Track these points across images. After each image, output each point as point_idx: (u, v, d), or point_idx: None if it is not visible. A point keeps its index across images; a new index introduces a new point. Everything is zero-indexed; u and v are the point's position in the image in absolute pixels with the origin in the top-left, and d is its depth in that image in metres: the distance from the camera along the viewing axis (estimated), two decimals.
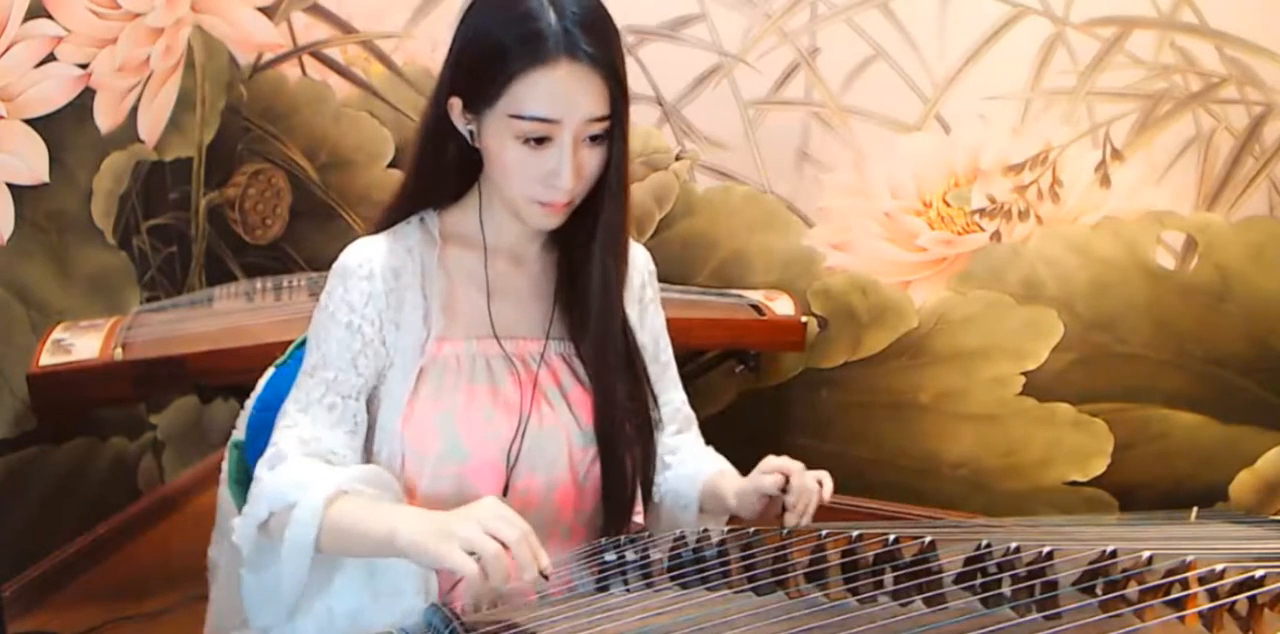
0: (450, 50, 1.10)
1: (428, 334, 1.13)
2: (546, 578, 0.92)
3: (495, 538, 0.89)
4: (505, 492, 1.13)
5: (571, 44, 1.02)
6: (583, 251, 1.16)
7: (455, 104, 1.09)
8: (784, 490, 1.13)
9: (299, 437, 1.09)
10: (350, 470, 1.05)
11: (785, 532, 1.05)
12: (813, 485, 1.12)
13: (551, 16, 1.02)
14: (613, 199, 1.11)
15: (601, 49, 1.03)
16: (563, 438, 1.15)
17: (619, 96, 1.06)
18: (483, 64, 1.05)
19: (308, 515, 1.00)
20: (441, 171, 1.15)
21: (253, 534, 1.06)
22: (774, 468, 1.14)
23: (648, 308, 1.28)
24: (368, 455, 1.14)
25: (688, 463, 1.29)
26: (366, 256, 1.13)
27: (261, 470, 1.08)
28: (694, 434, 1.34)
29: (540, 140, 1.04)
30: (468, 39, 1.08)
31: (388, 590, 1.07)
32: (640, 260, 1.28)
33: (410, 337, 1.13)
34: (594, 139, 1.06)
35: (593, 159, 1.07)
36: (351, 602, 1.08)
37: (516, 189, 1.08)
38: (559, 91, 1.03)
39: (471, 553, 0.89)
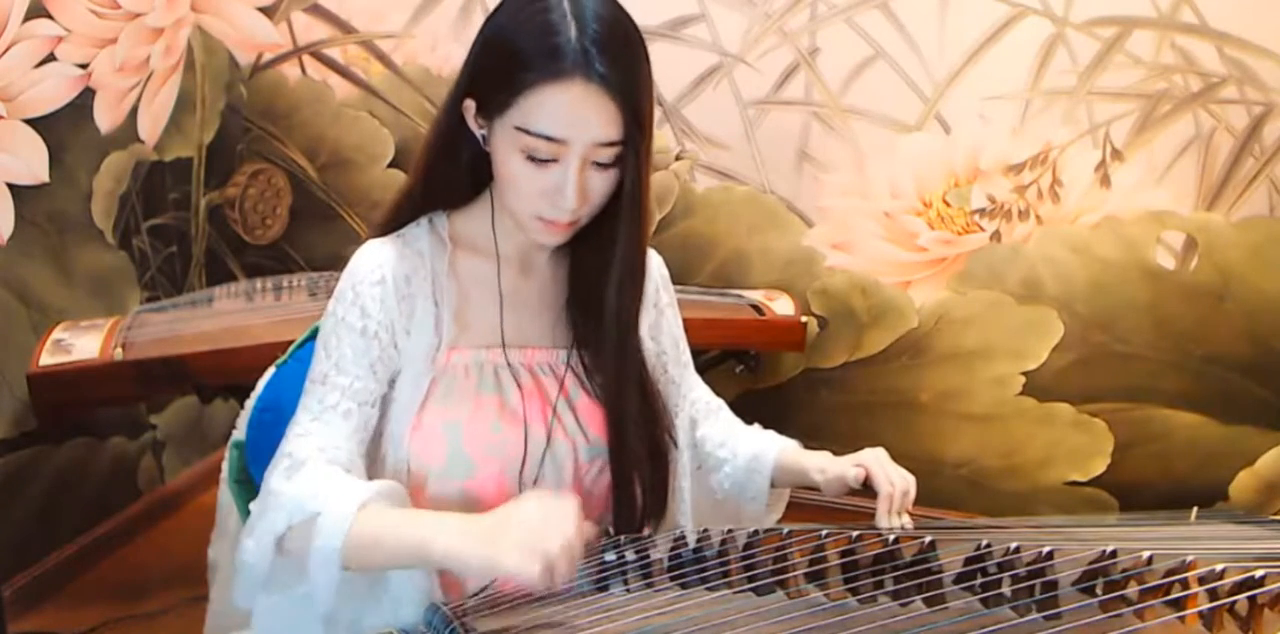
0: (471, 50, 1.07)
1: (440, 342, 1.11)
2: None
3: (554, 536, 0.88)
4: None
5: (588, 64, 0.98)
6: (598, 273, 1.13)
7: (470, 106, 1.07)
8: (865, 484, 1.18)
9: (316, 444, 1.05)
10: (372, 484, 1.00)
11: (786, 531, 1.05)
12: (900, 487, 1.16)
13: (573, 32, 0.98)
14: (629, 228, 1.09)
15: (619, 72, 0.99)
16: (569, 451, 1.14)
17: (634, 124, 1.01)
18: (498, 70, 1.02)
19: (335, 524, 0.95)
20: (454, 174, 1.13)
21: (270, 550, 1.00)
22: (861, 463, 1.18)
23: (664, 312, 1.27)
24: (369, 462, 1.12)
25: (742, 451, 1.30)
26: (378, 261, 1.10)
27: (276, 481, 1.03)
28: (730, 418, 1.35)
29: (545, 160, 1.02)
30: (489, 41, 1.05)
31: (390, 598, 1.06)
32: (653, 267, 1.26)
33: (421, 344, 1.11)
34: (603, 164, 1.03)
35: (600, 183, 1.04)
36: (353, 610, 1.06)
37: (519, 203, 1.06)
38: (568, 112, 0.99)
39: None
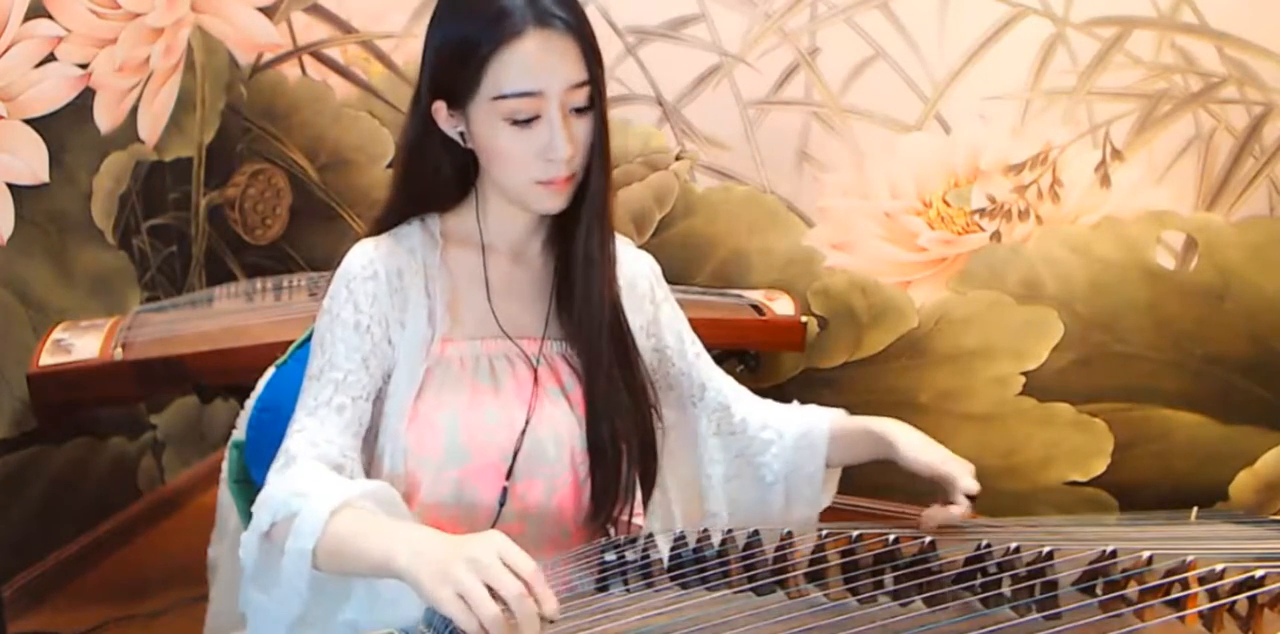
0: (423, 58, 1.10)
1: (433, 334, 1.13)
2: (552, 622, 0.86)
3: (496, 590, 0.83)
4: (504, 495, 1.13)
5: (539, 13, 1.03)
6: (571, 224, 1.14)
7: (440, 107, 1.09)
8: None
9: (309, 440, 1.06)
10: (358, 484, 1.01)
11: (786, 531, 1.05)
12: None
13: None
14: (597, 169, 1.10)
15: (569, 13, 1.04)
16: (564, 438, 1.15)
17: (594, 60, 1.06)
18: (457, 58, 1.05)
19: (309, 525, 0.95)
20: (436, 184, 1.15)
21: (255, 545, 1.01)
22: (958, 483, 1.18)
23: (661, 307, 1.28)
24: (369, 457, 1.13)
25: (789, 429, 1.29)
26: (370, 258, 1.12)
27: (271, 477, 1.05)
28: (762, 400, 1.34)
29: (528, 119, 1.04)
30: (438, 40, 1.08)
31: (387, 599, 1.06)
32: (645, 265, 1.27)
33: (415, 337, 1.12)
34: (579, 110, 1.06)
35: (583, 128, 1.07)
36: (350, 610, 1.07)
37: (516, 174, 1.07)
38: (535, 62, 1.03)
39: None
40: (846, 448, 1.28)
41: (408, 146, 1.14)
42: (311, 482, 1.01)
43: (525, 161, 1.06)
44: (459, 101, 1.07)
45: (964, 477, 1.17)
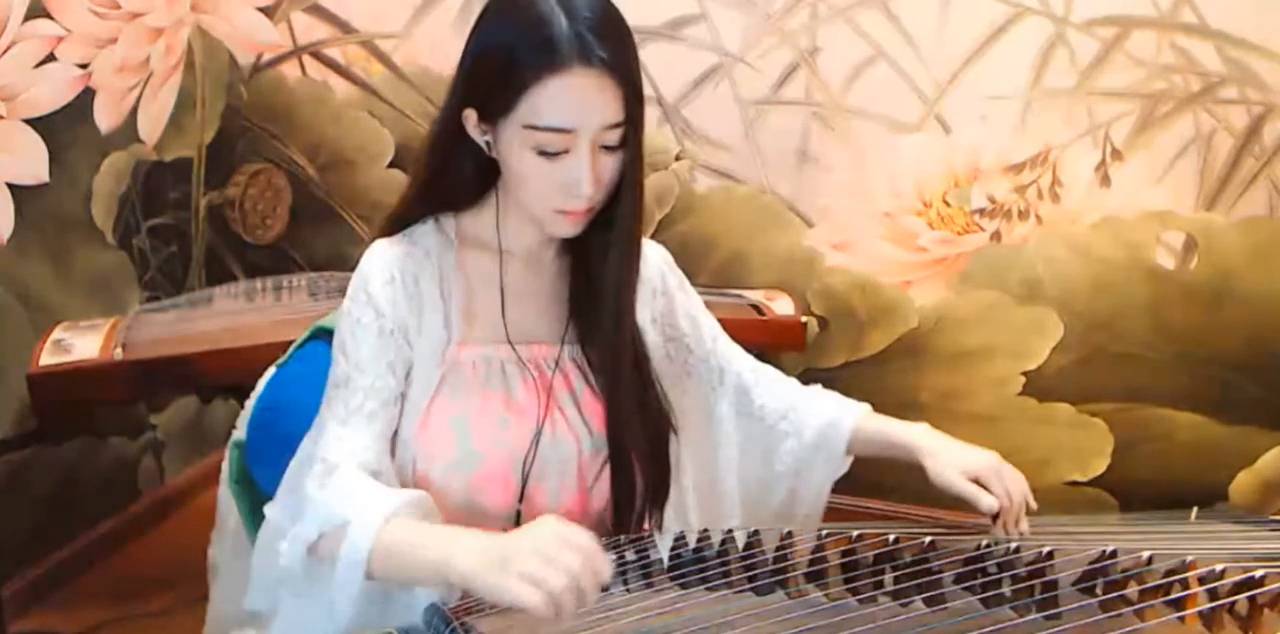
0: (462, 60, 1.07)
1: (448, 338, 1.12)
2: (607, 589, 0.88)
3: (560, 568, 0.84)
4: (521, 500, 1.13)
5: (585, 50, 0.99)
6: (598, 257, 1.14)
7: (470, 115, 1.07)
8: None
9: (349, 449, 1.06)
10: (402, 494, 1.01)
11: (786, 531, 1.05)
12: (1017, 500, 1.16)
13: (563, 21, 1.00)
14: (628, 205, 1.09)
15: (615, 53, 1.01)
16: (573, 445, 1.15)
17: (634, 101, 1.03)
18: (496, 74, 1.03)
19: (363, 535, 0.95)
20: (457, 183, 1.14)
21: (302, 555, 1.01)
22: (978, 476, 1.19)
23: (674, 296, 1.27)
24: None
25: (808, 428, 1.29)
26: (386, 261, 1.12)
27: (311, 487, 1.04)
28: (788, 386, 1.34)
29: (556, 153, 1.02)
30: (480, 48, 1.06)
31: (399, 604, 1.06)
32: (654, 256, 1.26)
33: (431, 341, 1.12)
34: (610, 146, 1.04)
35: (610, 165, 1.05)
36: (373, 616, 1.06)
37: (536, 200, 1.07)
38: (573, 100, 1.00)
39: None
40: (865, 452, 1.29)
41: (432, 144, 1.12)
42: (359, 491, 1.01)
43: (546, 191, 1.05)
44: (490, 117, 1.05)
45: (982, 498, 1.17)
